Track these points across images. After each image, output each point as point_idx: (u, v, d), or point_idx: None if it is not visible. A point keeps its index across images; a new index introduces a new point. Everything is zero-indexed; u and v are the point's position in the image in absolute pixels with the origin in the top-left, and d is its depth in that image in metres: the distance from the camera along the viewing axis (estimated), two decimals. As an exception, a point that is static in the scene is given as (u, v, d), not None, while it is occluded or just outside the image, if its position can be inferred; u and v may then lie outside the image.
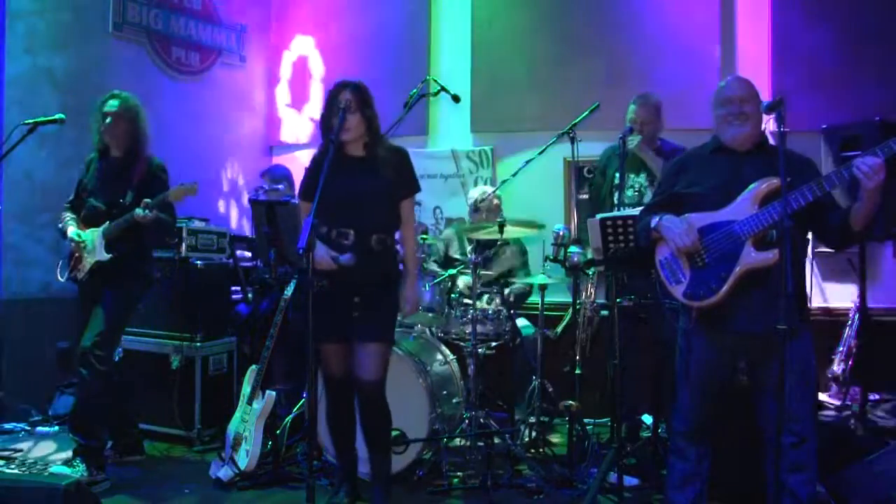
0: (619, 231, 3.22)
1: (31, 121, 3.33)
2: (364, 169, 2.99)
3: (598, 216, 3.22)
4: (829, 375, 4.38)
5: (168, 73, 5.22)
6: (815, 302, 4.69)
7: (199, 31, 5.44)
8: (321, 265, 2.80)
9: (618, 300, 3.30)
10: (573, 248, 3.57)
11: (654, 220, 2.74)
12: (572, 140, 3.97)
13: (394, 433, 3.31)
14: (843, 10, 4.55)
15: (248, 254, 4.73)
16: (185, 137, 5.14)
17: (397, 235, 3.11)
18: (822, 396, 4.45)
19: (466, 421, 3.53)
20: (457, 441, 3.67)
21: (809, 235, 2.93)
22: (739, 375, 2.73)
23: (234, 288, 4.55)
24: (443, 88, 3.99)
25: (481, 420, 3.51)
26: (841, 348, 4.40)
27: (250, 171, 5.73)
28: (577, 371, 3.63)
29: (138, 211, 3.16)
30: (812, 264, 4.63)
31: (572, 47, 4.99)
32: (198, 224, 4.21)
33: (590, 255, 3.50)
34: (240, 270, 4.47)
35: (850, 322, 4.39)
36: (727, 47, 4.81)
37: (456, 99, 4.00)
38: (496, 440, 3.54)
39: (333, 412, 3.18)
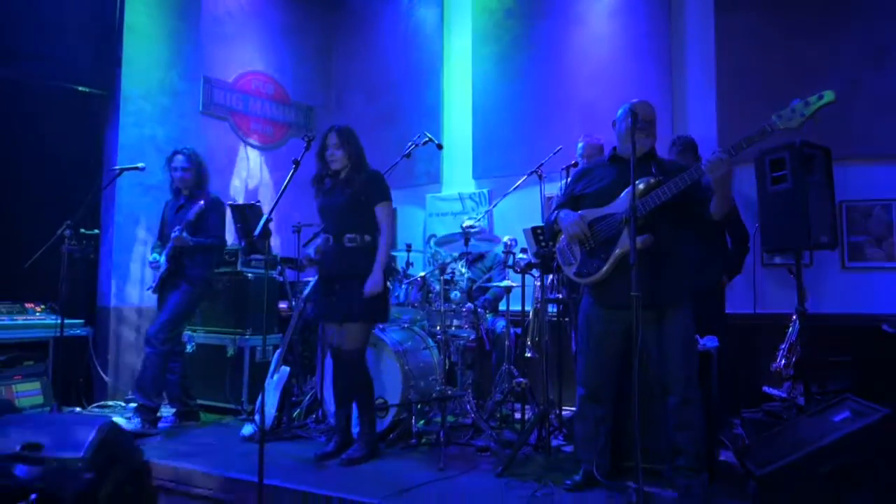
0: (547, 237, 3.33)
1: (118, 167, 3.84)
2: (343, 188, 3.22)
3: (531, 226, 3.35)
4: (773, 369, 4.17)
5: (248, 141, 5.79)
6: (762, 308, 4.51)
7: (273, 111, 6.00)
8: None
9: (556, 295, 3.39)
10: (521, 255, 3.67)
11: (553, 216, 2.85)
12: (540, 177, 4.14)
13: (378, 400, 3.49)
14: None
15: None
16: (259, 188, 5.64)
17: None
18: (771, 391, 4.26)
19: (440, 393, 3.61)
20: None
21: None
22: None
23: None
24: (430, 139, 4.23)
25: (448, 392, 3.61)
26: (783, 346, 4.20)
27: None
28: (527, 354, 3.67)
29: (174, 233, 3.57)
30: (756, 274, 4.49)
31: (549, 105, 5.16)
32: (251, 248, 4.59)
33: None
34: (287, 283, 4.80)
35: (791, 324, 4.20)
36: (678, 95, 4.86)
37: (439, 147, 4.23)
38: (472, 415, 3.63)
39: (333, 376, 3.36)
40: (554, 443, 3.32)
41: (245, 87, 5.74)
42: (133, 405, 4.26)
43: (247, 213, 3.49)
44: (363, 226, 3.18)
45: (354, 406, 3.28)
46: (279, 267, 4.76)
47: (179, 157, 3.88)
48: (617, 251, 2.60)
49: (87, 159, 4.83)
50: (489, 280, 4.26)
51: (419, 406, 3.56)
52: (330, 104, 6.40)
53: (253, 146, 5.78)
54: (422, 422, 3.67)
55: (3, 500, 2.80)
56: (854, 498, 2.35)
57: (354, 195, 3.15)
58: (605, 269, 2.63)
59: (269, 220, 2.51)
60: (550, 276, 3.49)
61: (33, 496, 2.80)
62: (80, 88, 4.80)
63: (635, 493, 2.27)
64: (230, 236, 4.21)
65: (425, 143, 4.22)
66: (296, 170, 2.79)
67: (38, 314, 4.56)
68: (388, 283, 3.63)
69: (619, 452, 2.86)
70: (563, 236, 2.78)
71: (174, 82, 5.16)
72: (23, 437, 2.81)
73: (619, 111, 2.74)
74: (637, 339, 2.37)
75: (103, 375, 4.66)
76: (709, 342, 3.10)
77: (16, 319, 4.38)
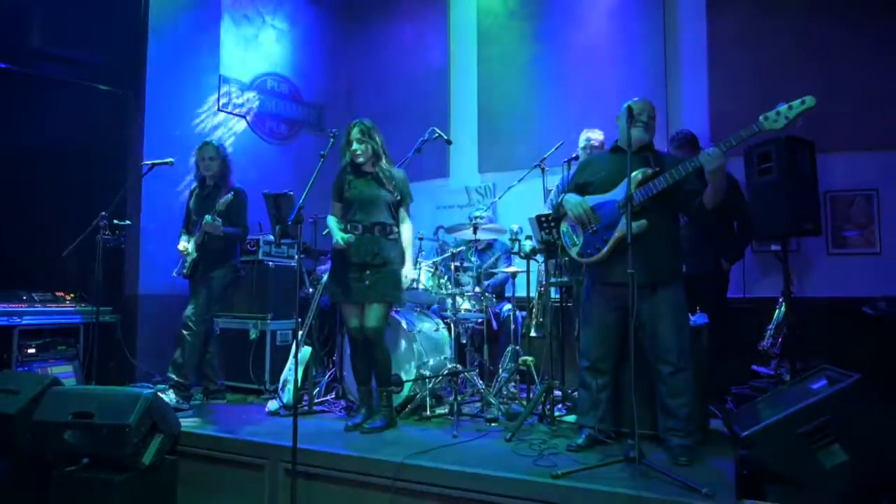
0: (551, 225, 3.58)
1: (149, 162, 4.07)
2: (369, 180, 3.47)
3: (535, 214, 3.59)
4: (760, 349, 4.42)
5: (264, 138, 6.02)
6: (751, 292, 4.76)
7: (287, 109, 6.24)
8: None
9: (559, 279, 3.63)
10: (526, 242, 3.90)
11: (560, 199, 3.08)
12: (542, 171, 4.38)
13: (393, 376, 3.72)
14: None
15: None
16: (274, 183, 5.86)
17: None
18: (759, 369, 4.50)
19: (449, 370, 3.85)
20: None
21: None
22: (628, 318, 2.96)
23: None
24: (440, 134, 4.47)
25: (458, 368, 3.85)
26: (770, 327, 4.45)
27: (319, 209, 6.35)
28: (532, 334, 3.91)
29: (207, 218, 3.79)
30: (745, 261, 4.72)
31: (552, 103, 5.42)
32: (272, 237, 4.82)
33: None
34: (304, 272, 5.00)
35: (778, 306, 4.44)
36: (673, 92, 5.10)
37: (448, 142, 4.47)
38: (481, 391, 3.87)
39: (353, 353, 3.60)
40: (557, 415, 3.55)
41: (261, 87, 5.97)
42: (160, 387, 4.49)
43: (280, 202, 3.73)
44: (390, 216, 3.45)
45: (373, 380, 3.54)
46: (296, 256, 5.00)
47: (208, 148, 4.08)
48: (616, 234, 2.84)
49: (113, 155, 5.07)
50: (495, 266, 4.51)
51: (431, 384, 3.80)
52: (340, 103, 6.63)
53: (268, 142, 6.02)
54: (433, 401, 3.91)
55: (56, 464, 3.05)
56: (828, 453, 2.59)
57: (387, 193, 3.41)
58: (605, 250, 2.87)
59: (301, 208, 2.74)
60: (554, 262, 3.73)
61: (84, 460, 3.05)
62: (108, 88, 5.03)
63: (631, 449, 2.51)
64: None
65: (436, 138, 4.45)
66: (323, 163, 3.03)
67: (68, 302, 4.82)
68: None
69: (617, 420, 3.10)
70: (567, 219, 3.02)
71: (195, 82, 5.39)
72: (73, 406, 3.05)
73: (622, 109, 2.97)
74: (633, 314, 2.61)
75: (132, 359, 4.89)
76: (699, 319, 3.34)
77: (48, 307, 4.64)
